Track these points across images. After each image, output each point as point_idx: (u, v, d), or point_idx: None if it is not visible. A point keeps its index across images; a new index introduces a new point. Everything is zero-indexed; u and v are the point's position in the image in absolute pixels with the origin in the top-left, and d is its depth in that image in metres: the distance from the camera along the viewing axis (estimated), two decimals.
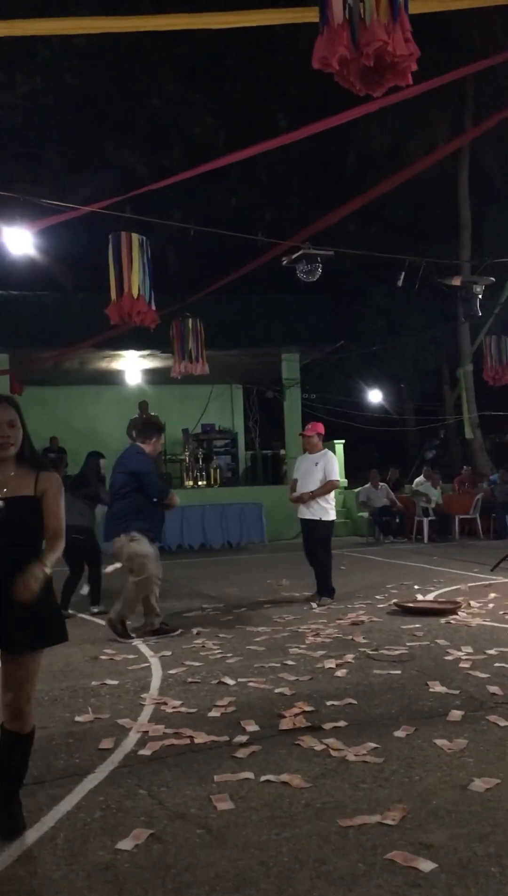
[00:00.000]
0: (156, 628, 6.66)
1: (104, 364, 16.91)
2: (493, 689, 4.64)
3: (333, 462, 8.17)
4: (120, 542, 6.57)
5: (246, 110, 19.77)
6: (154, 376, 17.14)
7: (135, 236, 8.50)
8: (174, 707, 4.54)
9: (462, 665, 5.24)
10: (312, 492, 8.03)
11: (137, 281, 8.40)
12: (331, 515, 8.16)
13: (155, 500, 6.69)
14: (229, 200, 20.66)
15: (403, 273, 10.69)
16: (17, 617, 2.92)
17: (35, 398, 17.72)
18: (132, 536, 6.53)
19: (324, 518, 8.10)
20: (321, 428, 8.54)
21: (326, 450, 8.32)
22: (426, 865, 2.62)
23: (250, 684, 4.97)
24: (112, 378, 17.61)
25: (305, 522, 8.24)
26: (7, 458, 3.02)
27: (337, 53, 4.08)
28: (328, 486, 8.05)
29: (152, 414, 16.29)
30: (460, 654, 5.55)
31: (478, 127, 14.88)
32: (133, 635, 6.57)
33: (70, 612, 7.52)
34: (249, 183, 20.65)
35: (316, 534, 8.17)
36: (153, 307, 8.66)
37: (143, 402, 16.79)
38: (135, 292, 8.38)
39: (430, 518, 14.59)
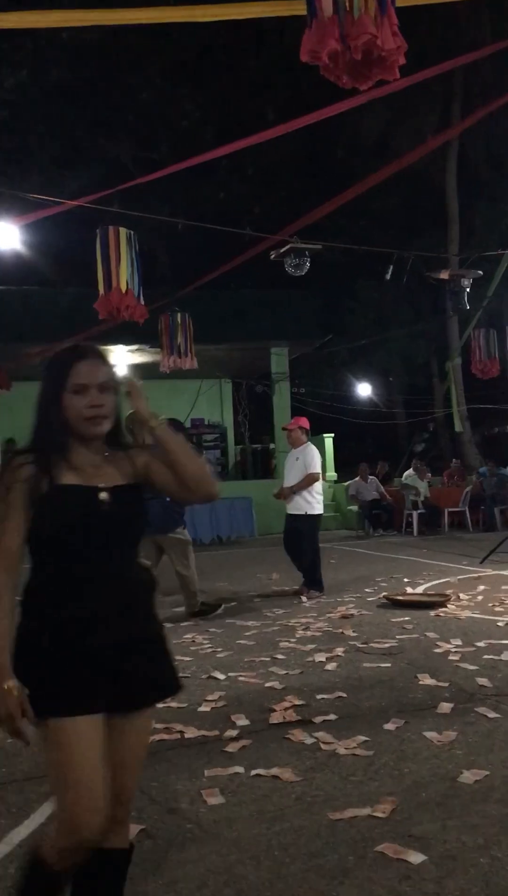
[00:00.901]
0: (199, 609, 7.12)
1: None
2: (482, 681, 4.66)
3: (312, 455, 8.18)
4: (177, 533, 7.10)
5: (234, 104, 19.71)
6: (143, 371, 17.09)
7: (123, 230, 8.46)
8: (164, 702, 4.52)
9: (451, 657, 5.26)
10: (292, 486, 8.07)
11: (125, 275, 8.37)
12: (316, 509, 8.17)
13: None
14: (217, 194, 20.60)
15: (391, 267, 10.71)
16: (137, 652, 2.12)
17: (23, 394, 17.56)
18: (183, 527, 7.18)
19: (309, 512, 8.13)
20: (303, 422, 8.58)
21: (307, 443, 8.34)
22: (416, 857, 2.64)
23: (241, 679, 4.98)
24: None
25: (290, 517, 8.27)
26: (97, 437, 2.10)
27: (327, 47, 4.06)
28: (307, 480, 8.05)
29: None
30: (449, 646, 5.57)
31: (466, 120, 14.89)
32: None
33: None
34: (237, 177, 20.61)
35: (301, 527, 8.17)
36: (142, 302, 8.63)
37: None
38: (123, 287, 8.35)
39: (419, 511, 14.63)
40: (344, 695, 4.52)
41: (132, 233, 8.52)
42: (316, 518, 8.25)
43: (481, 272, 11.20)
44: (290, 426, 8.46)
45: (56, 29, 15.06)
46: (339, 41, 3.99)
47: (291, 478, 8.17)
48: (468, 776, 3.28)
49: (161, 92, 19.64)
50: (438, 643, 5.68)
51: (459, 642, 5.67)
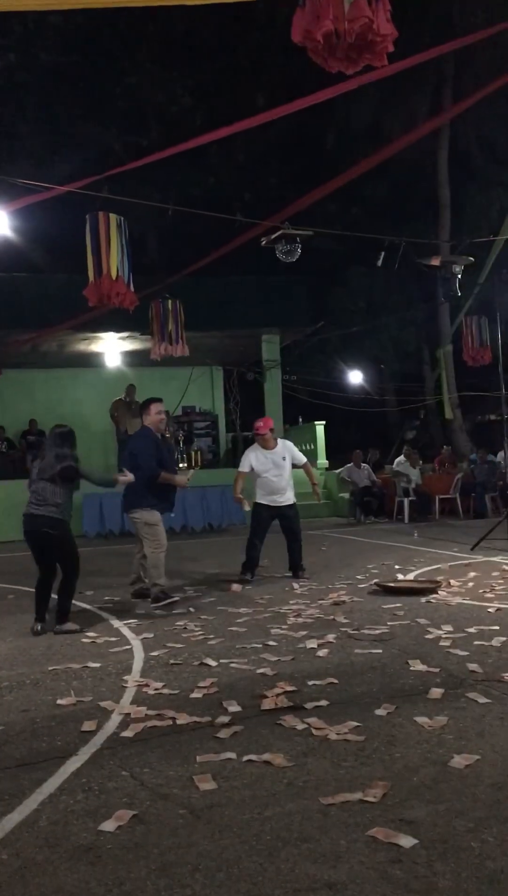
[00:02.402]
0: (158, 596, 6.95)
1: (83, 346, 16.77)
2: (473, 666, 4.69)
3: (294, 447, 8.68)
4: (137, 514, 7.08)
5: (224, 88, 19.58)
6: (134, 358, 17.04)
7: (113, 216, 8.41)
8: (156, 689, 4.54)
9: (442, 643, 5.28)
10: (315, 483, 8.93)
11: (115, 262, 8.33)
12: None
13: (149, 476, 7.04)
14: (207, 180, 20.50)
15: (383, 253, 10.68)
16: None
17: (13, 381, 17.60)
18: (145, 509, 7.07)
19: (295, 500, 8.50)
20: (272, 422, 8.82)
21: (282, 439, 8.66)
22: (407, 841, 2.65)
23: (233, 665, 4.99)
24: (91, 360, 17.48)
25: (283, 507, 8.36)
26: None
27: (323, 27, 4.03)
28: (310, 467, 8.72)
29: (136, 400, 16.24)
30: (440, 632, 5.59)
31: (457, 105, 14.85)
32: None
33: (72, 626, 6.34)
34: (227, 162, 20.49)
35: (293, 516, 8.44)
36: (132, 288, 8.59)
37: (130, 386, 16.69)
38: (113, 273, 8.31)
39: (410, 498, 14.66)
40: (336, 681, 4.54)
41: (122, 219, 8.47)
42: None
43: (472, 259, 11.19)
44: (263, 429, 8.45)
45: (44, 12, 14.94)
46: (334, 22, 3.96)
47: (285, 476, 8.34)
48: (458, 761, 3.30)
49: (151, 76, 19.49)
50: (429, 629, 5.70)
51: (450, 628, 5.70)
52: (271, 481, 8.27)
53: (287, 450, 8.45)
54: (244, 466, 8.40)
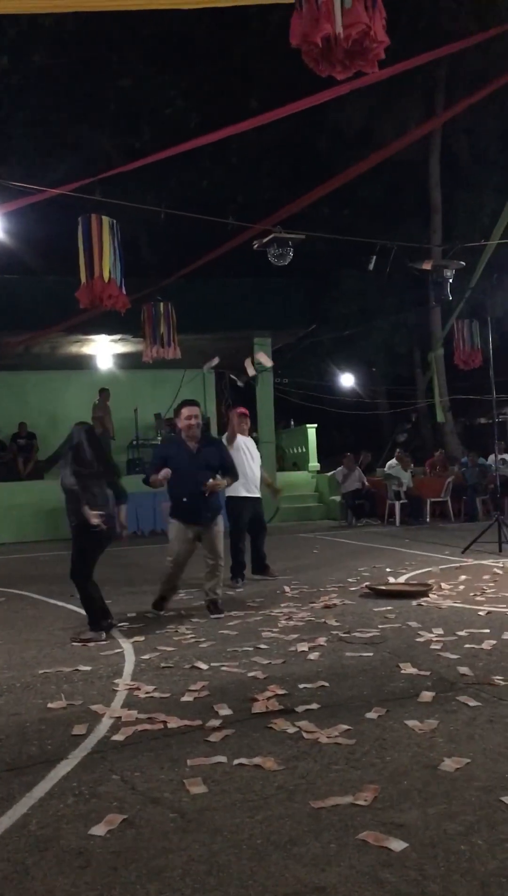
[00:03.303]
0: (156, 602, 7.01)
1: (75, 349, 16.76)
2: (463, 669, 4.70)
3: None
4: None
5: (217, 91, 19.59)
6: (126, 361, 17.02)
7: (105, 219, 8.40)
8: (147, 692, 4.54)
9: (433, 647, 5.29)
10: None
11: (107, 264, 8.31)
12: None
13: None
14: (200, 183, 20.50)
15: (374, 257, 10.70)
16: None
17: (5, 383, 17.59)
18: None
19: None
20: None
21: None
22: (398, 845, 2.65)
23: (223, 668, 4.99)
24: (83, 363, 17.47)
25: (257, 501, 8.56)
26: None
27: (322, 31, 4.04)
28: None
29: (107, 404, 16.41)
30: (431, 635, 5.60)
31: (450, 110, 14.90)
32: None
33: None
34: (220, 165, 20.51)
35: (260, 511, 8.65)
36: (124, 291, 8.58)
37: (103, 390, 16.69)
38: (106, 276, 8.29)
39: (402, 501, 14.69)
40: (326, 684, 4.54)
41: (115, 221, 8.46)
42: None
43: (463, 263, 11.22)
44: (244, 411, 8.68)
45: (37, 15, 14.92)
46: (334, 26, 3.98)
47: (258, 464, 8.60)
48: (449, 764, 3.30)
49: (144, 79, 19.49)
50: (420, 632, 5.71)
51: (441, 631, 5.71)
52: (254, 468, 8.49)
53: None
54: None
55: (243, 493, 8.31)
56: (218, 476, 6.67)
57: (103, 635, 5.99)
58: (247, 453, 8.44)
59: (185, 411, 6.74)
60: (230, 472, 6.88)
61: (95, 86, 19.19)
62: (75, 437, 6.10)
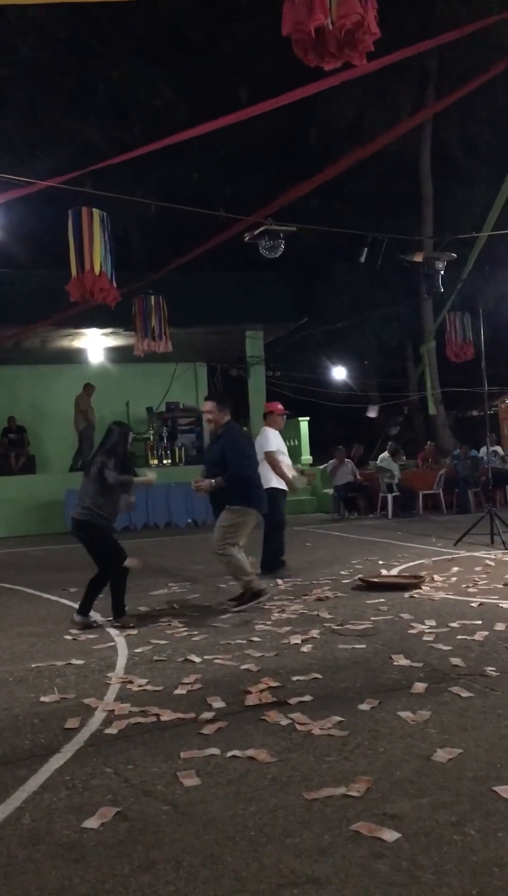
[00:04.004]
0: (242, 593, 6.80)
1: (66, 342, 16.71)
2: (456, 661, 4.71)
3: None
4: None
5: (207, 84, 19.52)
6: (117, 354, 16.98)
7: (95, 212, 8.37)
8: (140, 685, 4.53)
9: (425, 638, 5.30)
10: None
11: (98, 257, 8.28)
12: None
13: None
14: (190, 176, 20.44)
15: (366, 249, 10.69)
16: None
17: None
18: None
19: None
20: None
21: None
22: (391, 835, 2.66)
23: (216, 661, 4.99)
24: (74, 356, 17.42)
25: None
26: None
27: (316, 20, 4.02)
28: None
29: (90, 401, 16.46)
30: (423, 627, 5.61)
31: (441, 101, 14.87)
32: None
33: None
34: (210, 158, 20.44)
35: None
36: (115, 284, 8.56)
37: (88, 385, 16.63)
38: (96, 269, 8.27)
39: (394, 494, 14.71)
40: (319, 676, 4.55)
41: (105, 214, 8.43)
42: None
43: (455, 255, 11.22)
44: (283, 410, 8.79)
45: (25, 6, 14.83)
46: (327, 15, 3.96)
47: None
48: (441, 755, 3.31)
49: (133, 72, 19.39)
50: (412, 624, 5.73)
51: (433, 623, 5.72)
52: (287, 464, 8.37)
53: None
54: (273, 445, 8.22)
55: (276, 485, 8.15)
56: (203, 475, 6.74)
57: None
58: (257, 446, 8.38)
59: (205, 405, 6.96)
60: (227, 467, 6.67)
61: (84, 78, 19.10)
62: (116, 436, 6.37)
